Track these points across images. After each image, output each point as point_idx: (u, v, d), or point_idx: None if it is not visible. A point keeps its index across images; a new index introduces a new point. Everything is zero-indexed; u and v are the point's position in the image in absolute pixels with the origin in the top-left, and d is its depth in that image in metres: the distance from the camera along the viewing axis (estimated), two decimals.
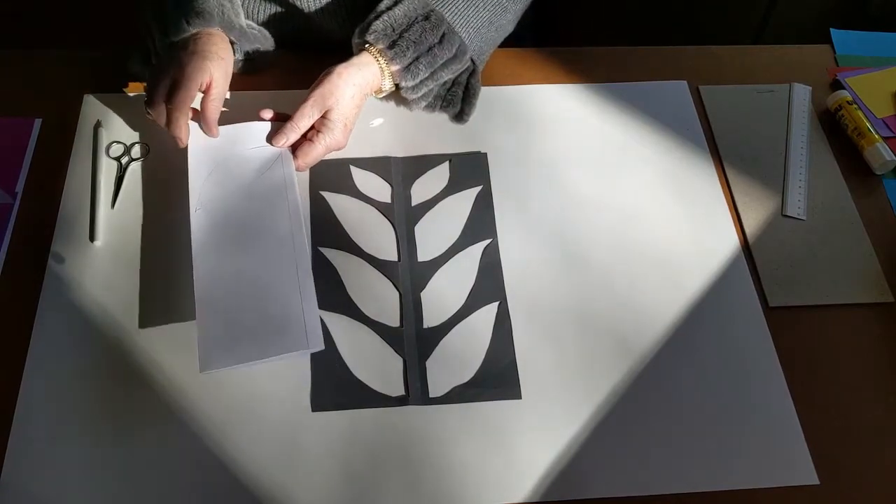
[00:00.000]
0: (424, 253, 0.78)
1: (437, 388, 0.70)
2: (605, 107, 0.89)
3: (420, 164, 0.84)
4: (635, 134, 0.87)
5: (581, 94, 0.90)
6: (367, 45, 0.80)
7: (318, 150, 0.80)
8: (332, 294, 0.74)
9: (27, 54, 0.91)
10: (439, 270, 0.77)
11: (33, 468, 0.65)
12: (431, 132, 0.86)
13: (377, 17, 0.79)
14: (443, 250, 0.78)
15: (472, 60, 0.83)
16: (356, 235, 0.78)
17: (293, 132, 0.79)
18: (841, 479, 0.67)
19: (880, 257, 0.80)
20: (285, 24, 0.92)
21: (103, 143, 0.83)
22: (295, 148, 0.80)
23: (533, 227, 0.80)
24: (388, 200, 0.81)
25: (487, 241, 0.79)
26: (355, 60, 0.80)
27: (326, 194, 0.81)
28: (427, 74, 0.80)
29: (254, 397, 0.69)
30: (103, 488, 0.64)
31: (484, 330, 0.73)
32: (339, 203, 0.81)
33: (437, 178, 0.83)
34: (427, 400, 0.69)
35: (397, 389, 0.70)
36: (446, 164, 0.84)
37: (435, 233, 0.79)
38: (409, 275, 0.76)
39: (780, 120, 0.90)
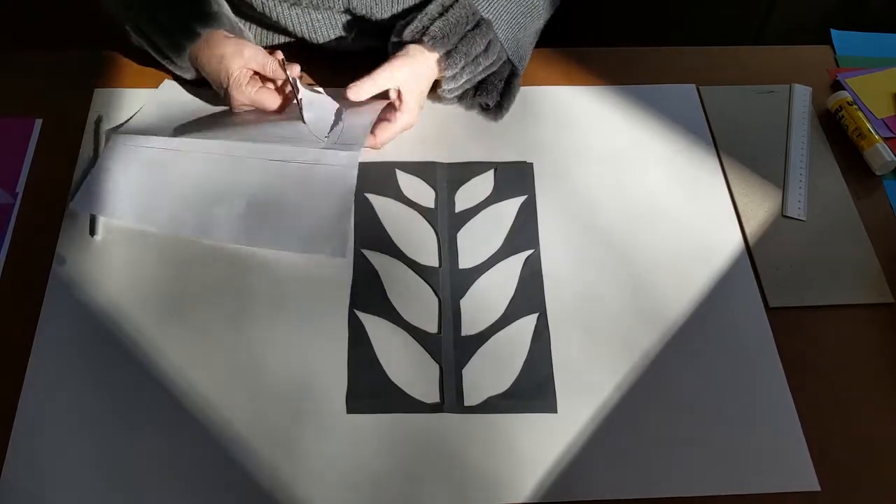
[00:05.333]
0: (466, 260, 0.77)
1: (472, 397, 0.69)
2: (613, 109, 0.89)
3: (465, 171, 0.83)
4: (644, 136, 0.87)
5: (586, 95, 0.90)
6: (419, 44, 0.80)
7: (396, 128, 0.82)
8: (372, 297, 0.74)
9: (27, 54, 0.91)
10: (480, 278, 0.76)
11: (34, 468, 0.65)
12: (476, 138, 0.86)
13: (432, 22, 0.79)
14: (484, 258, 0.77)
15: (511, 62, 0.83)
16: (398, 239, 0.78)
17: (371, 87, 0.78)
18: (842, 486, 0.66)
19: (880, 258, 0.80)
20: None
21: (104, 137, 0.83)
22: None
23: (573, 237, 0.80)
24: (432, 206, 0.81)
25: (529, 252, 0.78)
26: (416, 51, 0.80)
27: (371, 196, 0.81)
28: (466, 79, 0.82)
29: (284, 397, 0.69)
30: (105, 489, 0.64)
31: (522, 341, 0.73)
32: (383, 206, 0.80)
33: (481, 186, 0.82)
34: (462, 408, 0.69)
35: (432, 396, 0.69)
36: (491, 171, 0.84)
37: (477, 240, 0.79)
38: (450, 281, 0.75)
39: (781, 121, 0.90)
